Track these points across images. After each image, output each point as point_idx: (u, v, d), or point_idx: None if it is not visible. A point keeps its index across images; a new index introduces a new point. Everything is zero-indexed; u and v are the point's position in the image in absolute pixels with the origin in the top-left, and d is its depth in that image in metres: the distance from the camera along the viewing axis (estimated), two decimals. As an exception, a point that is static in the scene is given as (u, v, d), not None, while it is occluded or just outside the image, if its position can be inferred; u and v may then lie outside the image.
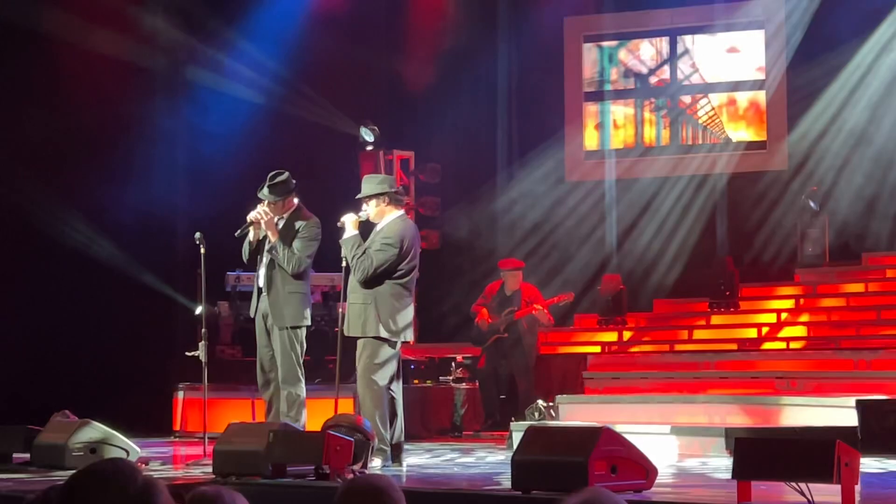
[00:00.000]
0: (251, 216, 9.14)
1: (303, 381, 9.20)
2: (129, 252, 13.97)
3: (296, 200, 9.27)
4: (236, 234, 9.26)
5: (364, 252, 8.84)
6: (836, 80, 14.84)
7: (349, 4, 15.90)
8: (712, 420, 10.59)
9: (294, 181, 9.26)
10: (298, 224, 9.15)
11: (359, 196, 9.08)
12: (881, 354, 12.26)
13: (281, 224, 9.18)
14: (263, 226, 9.12)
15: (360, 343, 8.92)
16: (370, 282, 8.85)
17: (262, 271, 9.24)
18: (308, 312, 9.23)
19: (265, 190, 9.16)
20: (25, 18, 13.37)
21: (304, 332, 9.21)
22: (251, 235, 9.21)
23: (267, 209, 9.12)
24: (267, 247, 9.16)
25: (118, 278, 13.78)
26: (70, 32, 13.46)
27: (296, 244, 9.10)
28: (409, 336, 9.15)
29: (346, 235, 8.98)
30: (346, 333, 9.04)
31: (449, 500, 7.27)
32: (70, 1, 13.68)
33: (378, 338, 8.84)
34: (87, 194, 13.80)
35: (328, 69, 15.24)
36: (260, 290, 9.25)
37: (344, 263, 9.03)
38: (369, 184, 9.14)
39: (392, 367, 8.96)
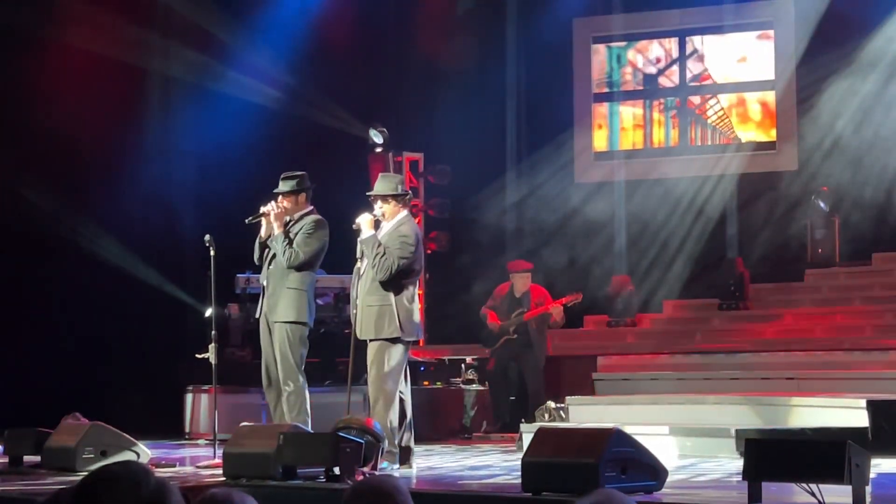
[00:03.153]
0: (264, 208, 9.17)
1: (302, 380, 9.08)
2: (139, 254, 13.99)
3: (310, 205, 9.29)
4: (247, 220, 9.26)
5: (385, 252, 8.82)
6: (846, 79, 14.82)
7: (357, 6, 15.91)
8: (722, 421, 10.57)
9: (311, 183, 9.29)
10: (304, 222, 9.18)
11: (378, 194, 9.03)
12: (892, 355, 12.23)
13: (292, 224, 9.20)
14: (273, 218, 9.12)
15: (373, 345, 8.89)
16: (392, 280, 8.83)
17: (265, 270, 9.25)
18: (306, 311, 9.10)
19: (280, 184, 9.21)
20: (30, 21, 13.38)
21: (303, 330, 9.14)
22: (262, 231, 9.22)
23: (279, 203, 9.15)
24: (271, 240, 9.17)
25: (127, 281, 13.81)
26: (77, 35, 13.48)
27: (296, 239, 9.12)
28: (420, 333, 9.19)
29: (364, 236, 8.92)
30: (360, 336, 8.99)
31: (459, 502, 7.27)
32: (76, 4, 13.69)
33: (394, 339, 8.82)
34: (96, 196, 13.83)
35: (336, 71, 15.25)
36: (264, 289, 9.26)
37: (357, 265, 8.99)
38: (389, 183, 9.10)
39: (403, 369, 8.95)
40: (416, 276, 9.05)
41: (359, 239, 8.96)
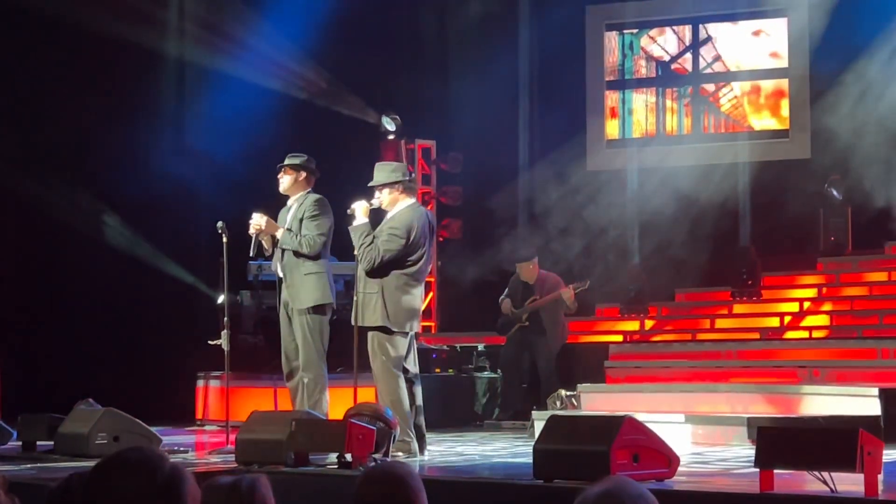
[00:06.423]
0: (251, 231, 9.20)
1: (324, 366, 9.18)
2: (151, 241, 14.02)
3: (310, 187, 9.33)
4: (252, 254, 9.34)
5: (372, 242, 8.81)
6: (860, 66, 14.75)
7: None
8: (734, 409, 10.57)
9: (315, 170, 9.33)
10: (305, 205, 9.21)
11: (371, 184, 9.06)
12: (904, 344, 12.20)
13: (295, 206, 9.24)
14: (265, 229, 9.17)
15: (370, 335, 8.90)
16: (376, 272, 8.82)
17: (277, 262, 9.29)
18: (328, 292, 9.17)
19: (286, 159, 9.29)
20: (40, 6, 13.39)
21: (326, 314, 9.20)
22: (265, 244, 9.27)
23: (258, 215, 9.18)
24: (279, 245, 9.20)
25: (140, 267, 13.84)
26: (91, 20, 13.48)
27: (304, 227, 9.14)
28: (416, 326, 9.12)
29: (355, 223, 8.95)
30: (358, 323, 9.01)
31: (470, 489, 7.28)
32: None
33: (385, 328, 8.83)
34: (109, 183, 13.84)
35: (350, 58, 15.24)
36: (280, 280, 9.29)
37: (356, 252, 9.00)
38: (382, 172, 9.10)
39: (403, 356, 8.93)
40: (411, 266, 8.91)
41: (349, 226, 8.97)
